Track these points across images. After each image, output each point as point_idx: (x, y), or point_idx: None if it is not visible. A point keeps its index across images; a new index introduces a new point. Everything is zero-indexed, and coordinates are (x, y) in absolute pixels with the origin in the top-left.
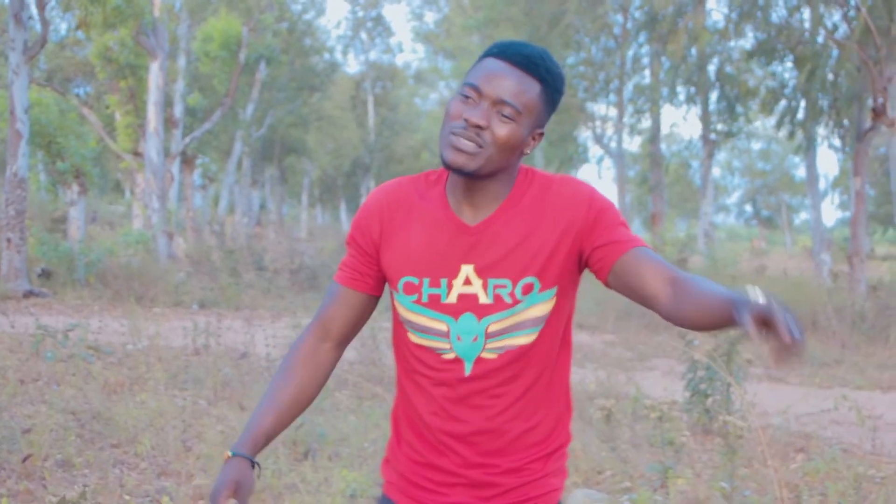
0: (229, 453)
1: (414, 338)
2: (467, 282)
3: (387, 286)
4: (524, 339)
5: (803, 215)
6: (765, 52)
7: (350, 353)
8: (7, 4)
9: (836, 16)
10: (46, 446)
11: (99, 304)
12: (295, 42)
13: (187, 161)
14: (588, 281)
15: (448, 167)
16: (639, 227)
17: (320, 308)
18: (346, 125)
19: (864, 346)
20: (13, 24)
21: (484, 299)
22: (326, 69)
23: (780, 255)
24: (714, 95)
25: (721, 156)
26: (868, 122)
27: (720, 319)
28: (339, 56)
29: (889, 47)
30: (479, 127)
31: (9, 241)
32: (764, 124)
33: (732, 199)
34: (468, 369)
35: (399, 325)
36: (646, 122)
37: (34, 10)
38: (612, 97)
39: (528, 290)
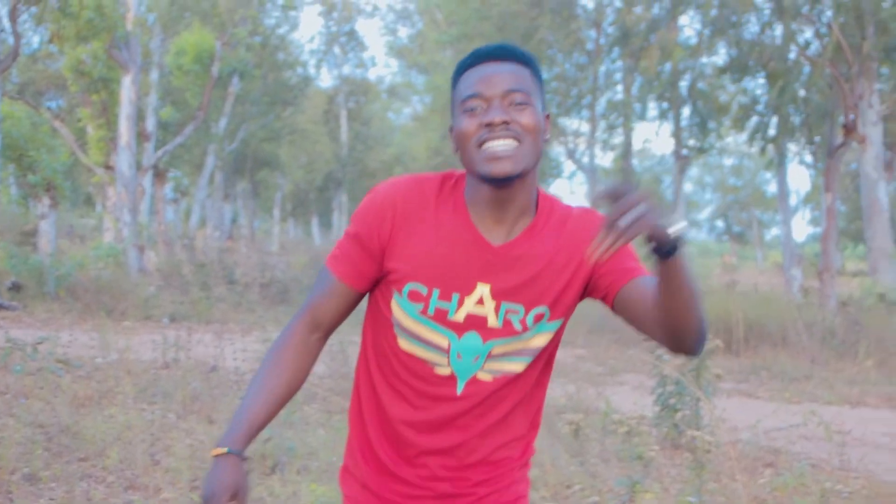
0: (223, 449)
1: (405, 345)
2: (480, 301)
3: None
4: (521, 364)
5: (774, 231)
6: (737, 68)
7: (320, 367)
8: None
9: (808, 33)
10: (13, 460)
11: (69, 318)
12: (268, 56)
13: (159, 175)
14: None
15: (493, 181)
16: None
17: (311, 297)
18: (319, 139)
19: (833, 361)
20: None
21: (493, 322)
22: (300, 83)
23: (752, 270)
24: (686, 111)
25: (693, 171)
26: (839, 139)
27: (666, 291)
28: (312, 70)
29: (860, 64)
30: (505, 123)
31: None
32: (736, 140)
33: (704, 214)
34: (460, 388)
35: (387, 328)
36: (618, 138)
37: (6, 23)
38: (584, 112)
39: (538, 319)
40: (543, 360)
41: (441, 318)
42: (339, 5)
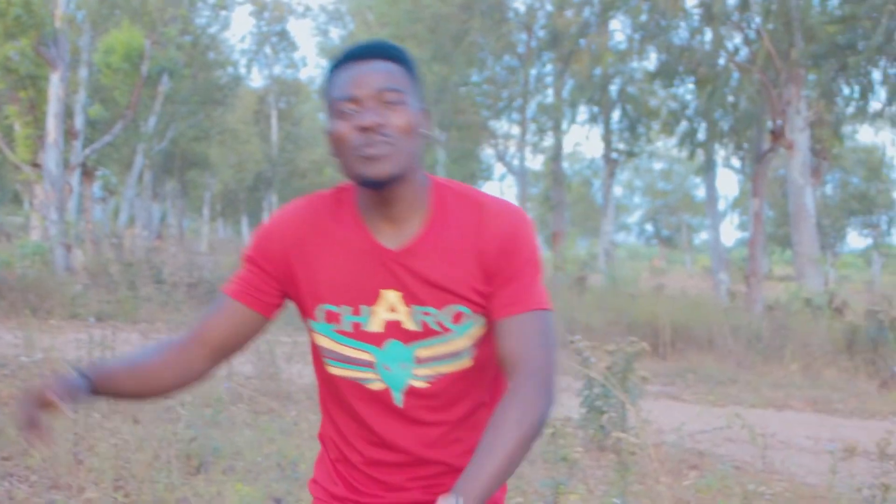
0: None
1: (335, 370)
2: (392, 309)
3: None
4: (457, 365)
5: (703, 235)
6: (667, 73)
7: (246, 367)
8: None
9: (738, 39)
10: None
11: None
12: (198, 55)
13: (87, 173)
14: None
15: (368, 183)
16: (541, 245)
17: (201, 317)
18: (250, 139)
19: (759, 365)
20: None
21: (410, 326)
22: (230, 83)
23: (680, 274)
24: (616, 115)
25: (623, 175)
26: (767, 144)
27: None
28: (243, 70)
29: (788, 71)
30: (379, 126)
31: None
32: (665, 145)
33: (634, 218)
34: (398, 399)
35: (318, 359)
36: (548, 141)
37: None
38: (515, 115)
39: (458, 318)
40: (493, 363)
41: (358, 332)
42: (271, 5)
